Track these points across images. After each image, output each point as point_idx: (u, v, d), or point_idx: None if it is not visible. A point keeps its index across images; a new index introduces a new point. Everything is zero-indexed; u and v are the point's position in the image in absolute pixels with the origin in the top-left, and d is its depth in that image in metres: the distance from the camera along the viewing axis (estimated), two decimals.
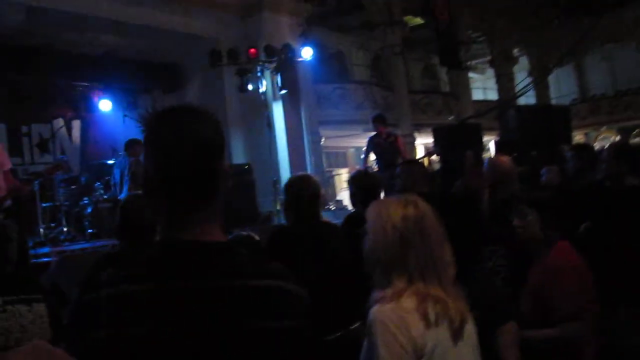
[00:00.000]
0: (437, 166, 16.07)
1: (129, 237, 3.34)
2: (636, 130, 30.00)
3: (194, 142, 1.50)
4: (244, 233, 3.72)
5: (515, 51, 28.45)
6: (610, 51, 30.35)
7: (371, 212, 2.31)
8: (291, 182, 3.98)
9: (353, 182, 4.69)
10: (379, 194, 4.64)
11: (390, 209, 2.22)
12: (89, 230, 10.37)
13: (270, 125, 12.52)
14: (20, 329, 2.92)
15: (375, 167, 10.55)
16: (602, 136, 31.06)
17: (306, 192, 3.83)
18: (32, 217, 10.77)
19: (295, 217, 3.87)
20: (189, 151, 1.49)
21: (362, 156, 10.89)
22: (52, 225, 10.62)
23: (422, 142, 22.11)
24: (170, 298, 1.45)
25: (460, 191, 5.11)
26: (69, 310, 3.43)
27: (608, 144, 4.52)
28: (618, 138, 30.49)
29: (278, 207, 11.13)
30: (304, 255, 3.55)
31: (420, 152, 21.04)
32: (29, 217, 10.43)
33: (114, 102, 13.42)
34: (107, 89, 13.47)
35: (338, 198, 18.15)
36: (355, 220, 4.31)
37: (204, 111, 1.58)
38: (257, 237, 3.65)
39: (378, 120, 10.71)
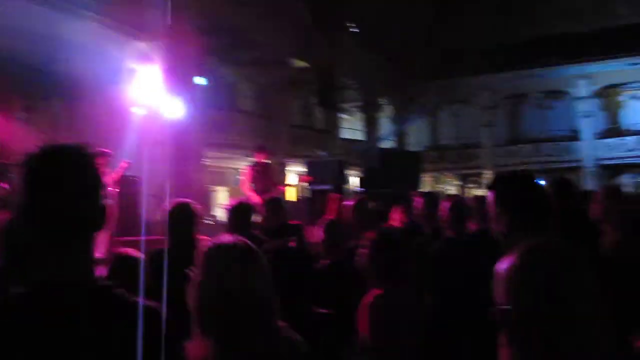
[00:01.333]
0: (306, 194, 16.24)
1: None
2: (472, 178, 31.71)
3: (68, 179, 1.39)
4: (125, 252, 3.53)
5: (382, 100, 29.31)
6: (458, 109, 31.96)
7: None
8: (173, 209, 3.86)
9: (232, 211, 4.62)
10: (251, 223, 4.62)
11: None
12: None
13: (159, 143, 12.18)
14: None
15: (252, 191, 10.43)
16: (446, 180, 32.57)
17: (180, 219, 3.74)
18: None
19: (174, 241, 3.75)
20: (64, 191, 1.38)
21: (241, 179, 10.79)
22: None
23: (295, 170, 22.26)
24: (32, 342, 1.31)
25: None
26: None
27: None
28: (459, 183, 32.12)
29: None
30: (179, 277, 3.40)
31: (292, 179, 21.15)
32: None
33: (10, 108, 12.59)
34: (4, 96, 12.62)
35: (213, 213, 17.88)
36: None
37: (78, 149, 1.46)
38: (137, 256, 3.46)
39: (259, 150, 10.68)
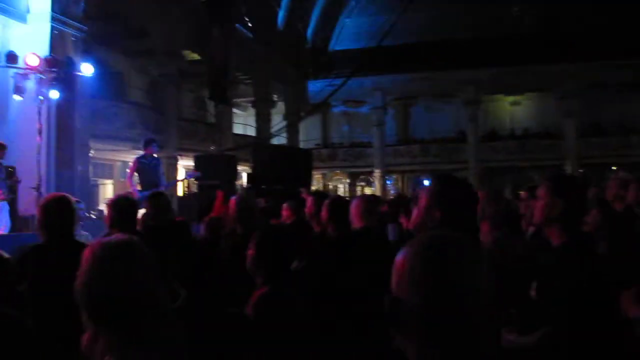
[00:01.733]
0: (195, 189, 16.02)
1: None
2: (362, 177, 32.44)
3: None
4: None
5: (275, 97, 29.36)
6: (350, 108, 32.59)
7: None
8: (47, 204, 3.68)
9: (113, 206, 4.44)
10: (135, 219, 4.49)
11: None
12: None
13: (40, 132, 11.57)
14: None
15: (137, 186, 10.12)
16: (335, 177, 33.12)
17: (59, 214, 3.59)
18: None
19: (48, 237, 3.59)
20: None
21: (127, 172, 10.47)
22: None
23: (184, 165, 21.90)
24: None
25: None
26: None
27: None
28: (348, 181, 32.73)
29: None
30: (52, 275, 3.27)
31: (181, 174, 20.80)
32: None
33: None
34: None
35: (100, 208, 17.25)
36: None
37: None
38: (5, 255, 3.26)
39: (149, 144, 10.35)
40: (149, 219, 5.11)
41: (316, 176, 30.78)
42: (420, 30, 28.56)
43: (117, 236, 1.96)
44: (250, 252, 3.21)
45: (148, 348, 1.80)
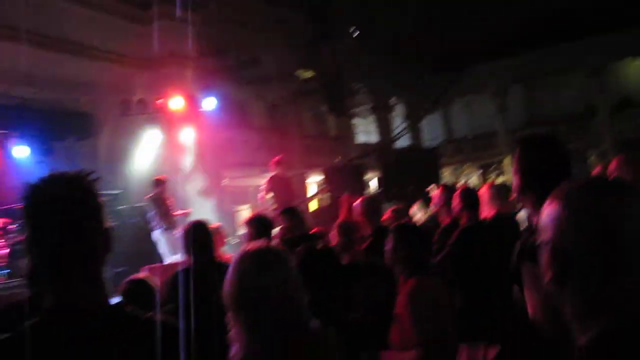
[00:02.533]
0: (327, 202, 16.20)
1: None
2: (493, 166, 31.40)
3: (65, 207, 1.39)
4: (139, 278, 3.54)
5: (392, 100, 29.20)
6: (469, 100, 31.72)
7: None
8: (188, 230, 3.88)
9: (250, 223, 4.63)
10: (271, 234, 4.62)
11: None
12: (6, 271, 9.76)
13: (176, 169, 12.26)
14: None
15: (273, 205, 10.42)
16: (466, 172, 32.31)
17: (201, 237, 3.77)
18: None
19: (193, 259, 3.77)
20: (63, 216, 1.38)
21: (261, 194, 10.76)
22: None
23: (314, 181, 22.23)
24: None
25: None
26: None
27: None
28: (480, 172, 31.84)
29: None
30: (202, 294, 3.42)
31: (311, 190, 21.13)
32: None
33: (31, 148, 12.79)
34: (23, 137, 12.83)
35: (239, 233, 17.87)
36: None
37: (77, 177, 1.46)
38: (152, 281, 3.48)
39: (278, 164, 10.63)
40: (285, 233, 5.22)
41: (445, 173, 30.22)
42: (529, 8, 27.37)
43: (257, 243, 2.05)
44: (388, 246, 3.21)
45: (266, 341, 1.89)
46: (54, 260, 1.40)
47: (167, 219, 10.18)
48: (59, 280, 1.39)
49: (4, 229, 10.42)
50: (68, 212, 1.39)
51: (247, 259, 1.99)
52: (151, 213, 10.31)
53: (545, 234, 1.25)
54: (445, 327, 2.99)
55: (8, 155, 12.79)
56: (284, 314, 1.91)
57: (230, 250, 8.68)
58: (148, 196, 10.53)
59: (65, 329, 1.34)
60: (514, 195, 2.53)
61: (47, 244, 1.39)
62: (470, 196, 4.38)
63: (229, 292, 1.97)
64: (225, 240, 7.51)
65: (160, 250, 10.18)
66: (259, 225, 4.57)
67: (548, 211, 1.25)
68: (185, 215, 10.99)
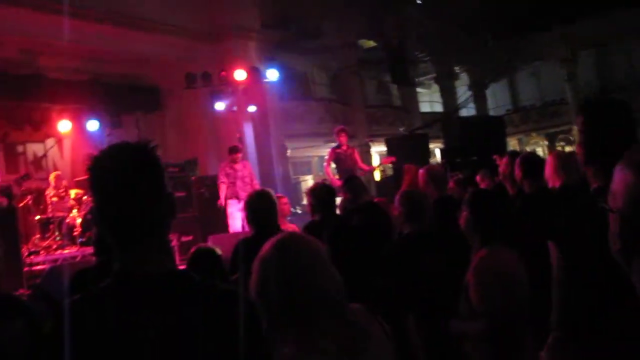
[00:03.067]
0: (390, 172, 16.09)
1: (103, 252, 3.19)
2: (561, 136, 30.44)
3: (131, 176, 1.40)
4: (206, 247, 3.59)
5: (456, 69, 28.63)
6: (536, 67, 30.71)
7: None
8: (249, 199, 3.89)
9: (312, 193, 4.60)
10: (334, 204, 4.57)
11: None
12: (79, 239, 10.13)
13: (241, 140, 12.36)
14: None
15: (336, 175, 10.40)
16: (532, 141, 31.48)
17: (261, 207, 3.77)
18: (28, 228, 10.56)
19: (255, 229, 3.78)
20: (126, 185, 1.39)
21: (325, 165, 10.74)
22: (46, 235, 10.35)
23: (377, 151, 22.13)
24: (121, 333, 1.33)
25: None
26: None
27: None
28: (546, 143, 30.94)
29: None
30: None
31: (375, 160, 21.04)
32: (25, 228, 10.25)
33: (101, 122, 13.16)
34: (94, 111, 13.20)
35: (303, 202, 18.02)
36: (313, 229, 4.25)
37: (138, 146, 1.47)
38: (218, 251, 3.52)
39: (339, 133, 10.52)
40: (348, 203, 5.20)
41: (511, 142, 29.51)
42: None
43: (286, 232, 1.97)
44: (463, 213, 3.12)
45: (322, 339, 1.76)
46: (119, 228, 1.42)
47: (234, 189, 10.21)
48: (125, 247, 1.42)
49: (78, 199, 10.78)
50: (131, 180, 1.40)
51: (269, 249, 1.88)
52: (221, 182, 10.28)
53: (615, 202, 1.17)
54: (513, 300, 2.88)
55: (81, 129, 13.20)
56: (313, 304, 1.78)
57: (294, 221, 8.74)
58: (221, 165, 10.57)
59: (132, 292, 1.38)
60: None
61: (112, 211, 1.41)
62: (531, 163, 4.19)
63: (254, 285, 1.84)
64: (289, 210, 7.55)
65: (229, 220, 10.30)
66: (321, 195, 4.54)
67: (619, 178, 1.17)
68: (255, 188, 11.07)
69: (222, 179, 10.26)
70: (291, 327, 1.78)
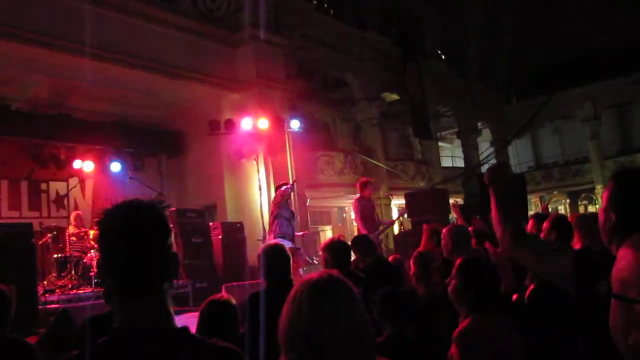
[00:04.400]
0: (408, 226, 15.95)
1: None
2: (583, 194, 30.13)
3: (136, 235, 1.45)
4: (219, 299, 3.54)
5: (479, 124, 28.67)
6: (559, 125, 30.67)
7: None
8: (263, 251, 3.86)
9: (326, 248, 4.55)
10: (349, 260, 4.52)
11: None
12: (95, 280, 10.13)
13: (260, 188, 12.40)
14: None
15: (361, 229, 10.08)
16: (554, 199, 31.19)
17: (276, 260, 3.74)
18: (45, 266, 10.60)
19: (267, 282, 3.74)
20: (131, 242, 1.44)
21: (354, 216, 10.49)
22: (62, 274, 10.37)
23: (397, 204, 22.03)
24: None
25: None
26: None
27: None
28: (568, 201, 30.62)
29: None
30: (271, 316, 3.38)
31: (395, 213, 20.93)
32: (42, 266, 10.30)
33: (123, 164, 13.31)
34: (118, 153, 13.38)
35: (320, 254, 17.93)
36: None
37: (148, 205, 1.52)
38: (233, 301, 3.47)
39: (365, 186, 10.31)
40: (358, 263, 5.15)
41: (533, 200, 29.28)
42: (626, 30, 26.28)
43: (320, 273, 1.89)
44: (452, 281, 3.03)
45: None
46: (122, 282, 1.46)
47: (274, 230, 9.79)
48: (127, 302, 1.46)
49: (97, 240, 10.82)
50: (137, 239, 1.45)
51: (304, 290, 1.78)
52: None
53: (623, 289, 1.12)
54: None
55: (104, 170, 13.36)
56: (347, 351, 1.70)
57: (311, 271, 8.66)
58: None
59: (130, 349, 1.39)
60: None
61: (116, 266, 1.46)
62: (564, 225, 4.07)
63: (282, 327, 1.76)
64: (304, 262, 7.49)
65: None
66: (335, 251, 4.49)
67: (631, 263, 1.12)
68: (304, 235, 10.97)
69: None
70: None
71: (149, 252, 1.45)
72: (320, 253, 4.75)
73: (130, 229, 1.45)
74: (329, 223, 23.35)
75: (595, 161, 27.84)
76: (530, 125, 27.33)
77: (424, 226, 5.57)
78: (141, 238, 1.45)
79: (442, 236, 4.60)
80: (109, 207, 1.51)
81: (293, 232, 9.53)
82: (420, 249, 4.83)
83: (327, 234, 22.52)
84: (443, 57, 25.33)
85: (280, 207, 9.57)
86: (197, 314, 3.47)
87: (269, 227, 9.70)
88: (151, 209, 1.50)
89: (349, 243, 5.18)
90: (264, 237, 11.14)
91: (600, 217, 2.26)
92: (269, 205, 13.14)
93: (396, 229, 17.49)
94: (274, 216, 9.50)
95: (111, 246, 1.46)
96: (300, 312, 1.73)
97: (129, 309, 1.45)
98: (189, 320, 1.52)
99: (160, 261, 1.48)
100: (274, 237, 8.92)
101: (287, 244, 8.93)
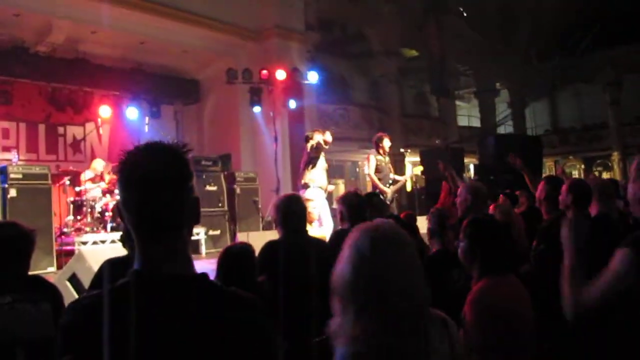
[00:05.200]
0: (422, 183, 16.00)
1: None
2: (598, 161, 29.90)
3: (158, 176, 1.41)
4: (239, 245, 3.58)
5: (497, 85, 28.35)
6: (579, 89, 30.20)
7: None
8: (280, 201, 3.89)
9: (343, 201, 4.57)
10: (365, 214, 4.53)
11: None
12: (110, 224, 10.27)
13: (276, 138, 12.38)
14: (24, 325, 2.80)
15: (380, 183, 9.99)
16: (569, 164, 30.98)
17: (293, 210, 3.77)
18: (62, 208, 10.74)
19: (285, 231, 3.78)
20: (152, 184, 1.40)
21: (368, 172, 10.33)
22: (78, 217, 10.51)
23: (411, 161, 22.00)
24: (132, 337, 1.32)
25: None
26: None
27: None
28: (582, 167, 30.42)
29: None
30: (290, 265, 3.44)
31: (408, 170, 20.91)
32: (59, 208, 10.44)
33: (140, 110, 13.32)
34: (135, 99, 13.38)
35: (333, 206, 17.98)
36: (342, 236, 4.22)
37: (170, 147, 1.47)
38: (252, 248, 3.49)
39: (381, 140, 10.18)
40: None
41: (548, 164, 29.10)
42: None
43: (377, 222, 1.87)
44: (461, 243, 2.99)
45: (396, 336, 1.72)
46: (141, 225, 1.43)
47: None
48: (146, 247, 1.42)
49: (112, 185, 10.89)
50: (158, 181, 1.41)
51: (366, 238, 1.76)
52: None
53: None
54: (511, 335, 2.72)
55: (120, 116, 13.39)
56: (414, 300, 1.72)
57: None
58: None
59: (146, 295, 1.37)
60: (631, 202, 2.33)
61: (137, 210, 1.42)
62: (583, 190, 4.05)
63: (343, 277, 1.75)
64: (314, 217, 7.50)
65: None
66: (351, 204, 4.51)
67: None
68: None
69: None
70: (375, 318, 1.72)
71: (170, 194, 1.41)
72: (337, 205, 4.77)
73: (151, 170, 1.41)
74: (341, 177, 23.38)
75: (613, 127, 27.49)
76: (549, 88, 27.00)
77: (443, 183, 5.55)
78: (162, 179, 1.41)
79: (458, 194, 4.61)
80: (130, 148, 1.46)
81: (327, 184, 9.25)
82: (437, 205, 4.84)
83: (340, 188, 22.58)
84: (464, 13, 24.87)
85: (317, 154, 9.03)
86: (208, 262, 3.51)
87: (302, 175, 9.08)
88: (173, 151, 1.46)
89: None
90: (277, 188, 11.18)
91: (632, 190, 2.26)
92: (285, 156, 13.15)
93: (409, 186, 17.50)
94: (307, 164, 8.98)
95: (132, 186, 1.42)
96: (363, 259, 1.73)
97: (147, 252, 1.41)
98: (201, 269, 1.49)
99: (181, 204, 1.43)
100: (307, 185, 8.76)
101: (319, 194, 8.80)
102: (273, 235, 4.99)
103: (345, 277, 1.75)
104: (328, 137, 8.99)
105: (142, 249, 1.43)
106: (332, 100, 18.33)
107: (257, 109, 13.03)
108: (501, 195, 6.54)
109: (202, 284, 1.43)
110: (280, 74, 12.54)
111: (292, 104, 13.18)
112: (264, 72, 12.49)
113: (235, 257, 3.33)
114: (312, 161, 9.03)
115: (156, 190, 1.41)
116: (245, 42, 14.01)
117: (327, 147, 9.04)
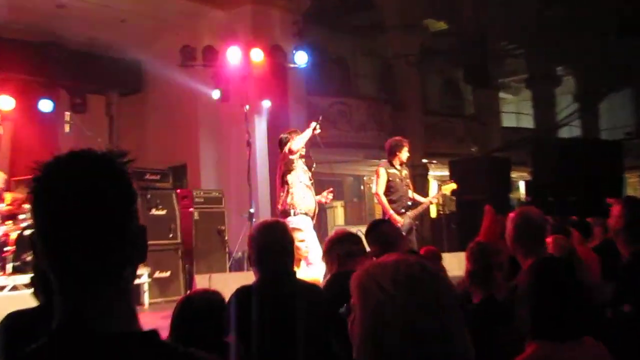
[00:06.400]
0: (452, 207, 16.03)
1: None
2: None
3: (87, 198, 1.38)
4: (202, 292, 3.59)
5: (559, 69, 28.52)
6: None
7: None
8: (255, 232, 3.90)
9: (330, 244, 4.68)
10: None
11: None
12: (11, 263, 10.21)
13: (249, 144, 12.40)
14: None
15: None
16: None
17: (272, 243, 3.77)
18: None
19: (262, 274, 3.79)
20: (79, 210, 1.37)
21: (375, 190, 10.30)
22: None
23: (436, 176, 22.05)
24: None
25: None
26: None
27: None
28: None
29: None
30: (270, 321, 3.47)
31: (433, 189, 20.96)
32: None
33: (57, 102, 13.32)
34: (49, 86, 13.38)
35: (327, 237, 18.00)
36: (344, 279, 4.23)
37: (104, 157, 1.46)
38: (220, 297, 3.49)
39: (398, 147, 10.16)
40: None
41: (631, 179, 29.27)
42: None
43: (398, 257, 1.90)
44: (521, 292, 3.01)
45: None
46: (66, 267, 1.41)
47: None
48: (70, 295, 1.41)
49: (17, 206, 10.81)
50: (89, 205, 1.39)
51: (392, 280, 1.78)
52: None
53: None
54: None
55: (29, 109, 13.36)
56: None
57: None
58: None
59: (70, 355, 1.35)
60: None
61: (60, 245, 1.40)
62: None
63: (363, 327, 1.78)
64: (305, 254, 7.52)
65: None
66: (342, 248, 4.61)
67: None
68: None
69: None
70: None
71: (105, 224, 1.40)
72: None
73: (79, 191, 1.38)
74: (340, 198, 23.40)
75: None
76: (632, 75, 27.21)
77: (486, 207, 5.52)
78: (95, 204, 1.39)
79: (507, 222, 4.61)
80: (48, 160, 1.44)
81: (315, 207, 9.34)
82: (479, 238, 4.83)
83: (338, 212, 22.58)
84: None
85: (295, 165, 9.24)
86: (153, 316, 3.52)
87: (279, 197, 9.27)
88: (108, 163, 1.45)
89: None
90: (251, 213, 11.17)
91: None
92: (262, 168, 13.15)
93: (434, 211, 17.53)
94: (283, 180, 9.14)
95: (50, 213, 1.39)
96: (395, 306, 1.75)
97: (72, 303, 1.40)
98: (145, 325, 1.46)
99: (121, 237, 1.42)
100: (287, 212, 8.85)
101: (306, 223, 8.87)
102: (246, 278, 4.98)
103: (364, 332, 1.76)
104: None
105: (65, 298, 1.40)
106: (328, 92, 18.40)
107: (221, 101, 13.03)
108: (574, 231, 6.54)
109: (151, 346, 1.42)
110: (257, 54, 12.59)
111: (267, 102, 13.22)
112: (233, 51, 12.54)
113: (198, 311, 3.33)
114: (289, 173, 9.16)
115: (85, 218, 1.38)
116: (208, 9, 14.06)
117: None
